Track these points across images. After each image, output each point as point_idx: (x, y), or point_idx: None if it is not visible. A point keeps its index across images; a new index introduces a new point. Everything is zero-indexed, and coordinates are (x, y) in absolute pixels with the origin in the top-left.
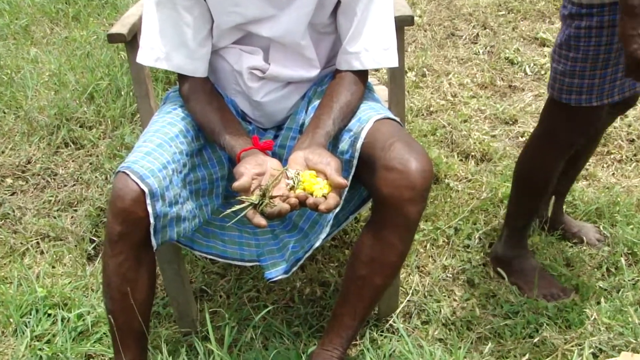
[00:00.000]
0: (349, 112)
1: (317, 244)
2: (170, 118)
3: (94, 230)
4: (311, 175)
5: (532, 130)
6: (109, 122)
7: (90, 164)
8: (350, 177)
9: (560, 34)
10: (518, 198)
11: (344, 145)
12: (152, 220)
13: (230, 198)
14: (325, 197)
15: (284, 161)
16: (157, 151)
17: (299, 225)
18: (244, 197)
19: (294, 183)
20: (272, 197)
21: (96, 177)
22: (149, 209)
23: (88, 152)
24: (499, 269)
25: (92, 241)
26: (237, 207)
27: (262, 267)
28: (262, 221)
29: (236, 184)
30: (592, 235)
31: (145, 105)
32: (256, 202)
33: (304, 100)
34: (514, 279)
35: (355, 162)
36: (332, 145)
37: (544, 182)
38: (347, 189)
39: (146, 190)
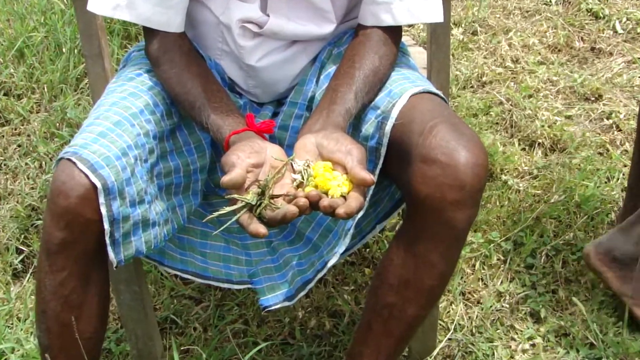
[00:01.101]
0: (376, 82)
1: (333, 262)
2: (132, 87)
3: (22, 236)
4: (326, 168)
5: (623, 108)
6: (45, 89)
7: (19, 146)
8: (377, 171)
9: None
10: None
11: (368, 127)
12: (106, 225)
13: (213, 197)
14: (344, 197)
15: (285, 147)
16: (114, 132)
17: (306, 236)
18: (235, 195)
19: (303, 178)
20: (273, 197)
21: (26, 164)
22: (103, 209)
23: (15, 129)
24: (608, 276)
25: (19, 251)
26: (226, 209)
27: (255, 291)
28: (260, 229)
29: (225, 179)
30: None
31: (97, 68)
32: (253, 203)
33: (314, 66)
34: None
35: (383, 150)
36: (353, 127)
37: None
38: (372, 187)
39: (99, 184)
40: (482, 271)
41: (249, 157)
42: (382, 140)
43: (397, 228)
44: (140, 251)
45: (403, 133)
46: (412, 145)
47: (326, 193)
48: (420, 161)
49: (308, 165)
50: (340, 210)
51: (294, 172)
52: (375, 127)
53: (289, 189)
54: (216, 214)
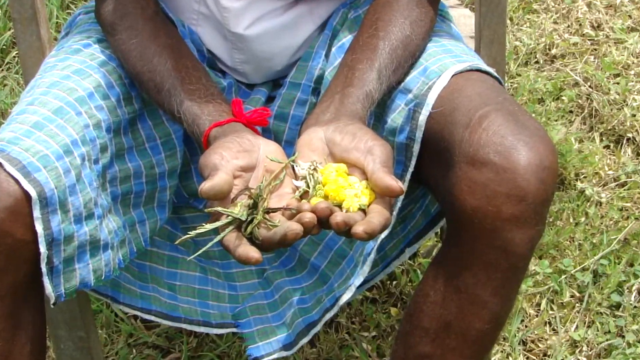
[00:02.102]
0: (406, 57)
1: (347, 298)
2: (78, 62)
3: None
4: (339, 173)
5: None
6: None
7: None
8: (408, 177)
9: None
10: None
11: (396, 117)
12: (42, 247)
13: (187, 210)
14: (363, 211)
15: (284, 144)
16: (54, 122)
17: (311, 263)
18: (218, 208)
19: (308, 186)
20: (268, 211)
21: None
22: (38, 226)
23: None
24: None
25: None
26: (205, 227)
27: (241, 336)
28: (252, 253)
29: (205, 186)
30: None
31: (30, 35)
32: (242, 219)
33: (323, 35)
34: None
35: (416, 148)
36: (376, 117)
37: None
38: (401, 197)
39: (33, 192)
40: (550, 312)
41: (236, 158)
42: (415, 135)
43: (434, 253)
44: (87, 283)
45: (443, 125)
46: (454, 142)
47: (339, 206)
48: (465, 163)
49: (315, 169)
50: (359, 229)
51: (297, 177)
52: (405, 116)
53: (289, 200)
54: (192, 233)
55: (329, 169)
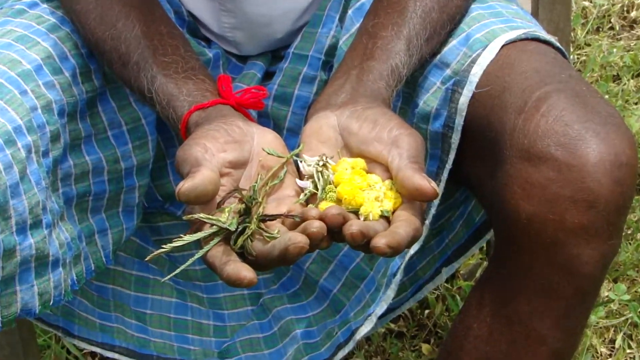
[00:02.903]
0: (443, 22)
1: (365, 331)
2: (22, 27)
3: None
4: (356, 170)
5: None
6: None
7: None
8: (445, 176)
9: None
10: None
11: (430, 99)
12: None
13: (161, 217)
14: (386, 218)
15: (286, 133)
16: None
17: (320, 286)
18: (201, 215)
19: (317, 187)
20: (265, 219)
21: None
22: None
23: None
24: None
25: None
26: (184, 238)
27: None
28: (244, 272)
29: (185, 187)
30: None
31: None
32: (231, 229)
33: None
34: None
35: (455, 139)
36: (403, 98)
37: None
38: (436, 201)
39: None
40: (628, 351)
41: (223, 150)
42: (454, 122)
43: (478, 275)
44: (32, 309)
45: (490, 110)
46: (505, 132)
47: (356, 212)
48: (519, 158)
49: (325, 165)
50: (381, 242)
51: (301, 176)
52: (442, 98)
53: (292, 205)
54: (167, 247)
55: (342, 165)
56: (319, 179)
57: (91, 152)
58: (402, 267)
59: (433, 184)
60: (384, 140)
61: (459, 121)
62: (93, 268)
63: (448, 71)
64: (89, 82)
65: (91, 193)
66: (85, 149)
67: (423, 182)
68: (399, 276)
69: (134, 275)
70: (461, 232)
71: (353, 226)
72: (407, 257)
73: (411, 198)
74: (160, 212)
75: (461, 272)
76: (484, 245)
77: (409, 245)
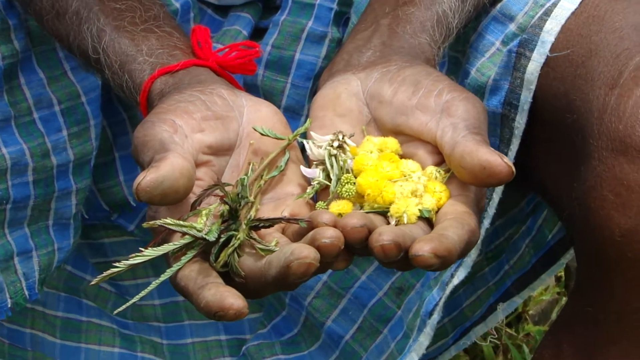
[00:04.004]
0: None
1: None
2: None
3: None
4: (385, 153)
5: None
6: None
7: None
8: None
9: None
10: None
11: (486, 65)
12: None
13: (107, 232)
14: (428, 221)
15: (283, 112)
16: None
17: (327, 329)
18: (169, 220)
19: (330, 178)
20: (258, 225)
21: None
22: None
23: None
24: None
25: None
26: (144, 255)
27: None
28: (229, 299)
29: (147, 180)
30: None
31: None
32: (210, 239)
33: None
34: None
35: (521, 121)
36: (450, 62)
37: None
38: (491, 213)
39: None
40: None
41: (200, 130)
42: (519, 97)
43: (553, 316)
44: None
45: (569, 81)
46: (591, 112)
47: (383, 213)
48: (611, 150)
49: (341, 146)
50: (424, 248)
51: (309, 163)
52: (502, 65)
53: (294, 205)
54: (122, 264)
55: (366, 146)
56: (332, 166)
57: (9, 143)
58: (442, 302)
59: (506, 159)
60: (430, 108)
61: (526, 97)
62: (9, 305)
63: (512, 26)
64: (6, 44)
65: (9, 200)
66: (2, 138)
67: (492, 156)
68: (437, 316)
69: (60, 318)
70: (527, 255)
71: (384, 235)
72: (449, 288)
73: (475, 181)
74: (105, 225)
75: (529, 311)
76: (561, 273)
77: (463, 254)
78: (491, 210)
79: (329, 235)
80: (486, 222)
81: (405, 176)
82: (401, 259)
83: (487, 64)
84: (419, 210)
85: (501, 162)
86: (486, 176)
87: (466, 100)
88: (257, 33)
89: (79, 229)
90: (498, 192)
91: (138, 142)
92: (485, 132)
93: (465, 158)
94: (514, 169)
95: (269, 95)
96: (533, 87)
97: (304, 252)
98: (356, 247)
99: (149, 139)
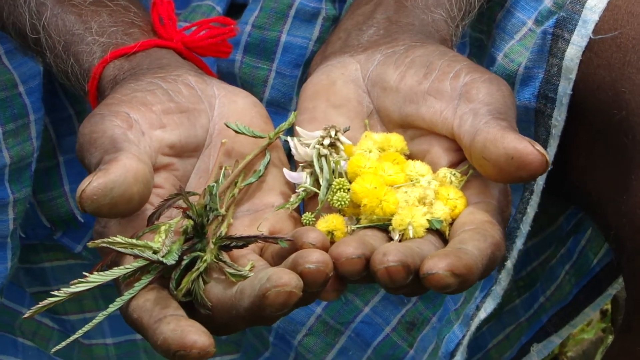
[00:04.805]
0: None
1: None
2: None
3: None
4: (387, 153)
5: None
6: None
7: None
8: (541, 185)
9: None
10: None
11: (516, 49)
12: None
13: (48, 254)
14: (440, 235)
15: (267, 100)
16: None
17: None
18: (119, 239)
19: (319, 183)
20: (228, 245)
21: None
22: None
23: None
24: None
25: None
26: (89, 281)
27: None
28: (192, 335)
29: (93, 186)
30: None
31: None
32: (168, 263)
33: None
34: None
35: (559, 117)
36: (470, 44)
37: None
38: (524, 232)
39: None
40: None
41: (160, 126)
42: (557, 90)
43: (598, 357)
44: None
45: (618, 71)
46: (634, 103)
47: (384, 228)
48: None
49: (333, 144)
50: (439, 265)
51: (295, 166)
52: (536, 49)
53: (276, 219)
54: (61, 293)
55: (364, 144)
56: (321, 169)
57: None
58: (467, 341)
59: (538, 146)
60: (445, 94)
61: (565, 88)
62: None
63: (547, 1)
64: None
65: None
66: None
67: (521, 142)
68: (459, 357)
69: None
70: (567, 285)
71: (389, 256)
72: (474, 324)
73: (501, 176)
74: (46, 246)
75: (568, 353)
76: (608, 306)
77: (486, 272)
78: (525, 227)
79: (314, 259)
80: (519, 243)
81: (411, 180)
82: (410, 282)
83: (517, 48)
84: (428, 220)
85: (532, 149)
86: (515, 168)
87: (489, 82)
88: (235, 9)
89: (17, 249)
90: (533, 205)
91: (84, 139)
92: (513, 118)
93: (489, 147)
94: (548, 158)
95: (248, 85)
96: (573, 76)
97: (284, 279)
98: (349, 271)
99: (97, 136)
